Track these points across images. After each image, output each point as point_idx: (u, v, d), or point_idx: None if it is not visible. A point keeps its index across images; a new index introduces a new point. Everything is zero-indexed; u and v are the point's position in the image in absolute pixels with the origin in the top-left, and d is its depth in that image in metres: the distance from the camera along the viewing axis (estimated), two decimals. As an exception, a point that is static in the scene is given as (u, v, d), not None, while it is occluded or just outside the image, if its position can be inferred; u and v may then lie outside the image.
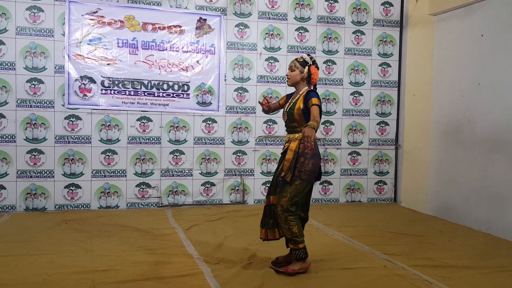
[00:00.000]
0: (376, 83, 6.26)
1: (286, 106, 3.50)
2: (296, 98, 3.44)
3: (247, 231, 4.50)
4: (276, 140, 5.97)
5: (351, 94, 6.19)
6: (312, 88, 3.50)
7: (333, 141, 6.17)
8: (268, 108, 3.68)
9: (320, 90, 6.07)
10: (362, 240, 4.32)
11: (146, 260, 3.56)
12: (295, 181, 3.28)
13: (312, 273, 3.39)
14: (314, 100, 3.28)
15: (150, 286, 3.05)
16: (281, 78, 5.94)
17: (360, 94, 6.21)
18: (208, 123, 5.76)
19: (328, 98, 6.12)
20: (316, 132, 3.12)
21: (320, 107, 3.28)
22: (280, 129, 5.97)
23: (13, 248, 3.78)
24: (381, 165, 6.34)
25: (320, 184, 6.16)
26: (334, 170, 6.20)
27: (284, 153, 3.43)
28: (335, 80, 6.13)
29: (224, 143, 5.80)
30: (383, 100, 6.29)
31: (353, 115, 6.21)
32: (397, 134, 6.33)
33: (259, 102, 3.70)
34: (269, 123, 5.94)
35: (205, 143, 5.77)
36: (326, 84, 6.10)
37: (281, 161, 3.46)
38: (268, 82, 5.88)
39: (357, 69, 6.19)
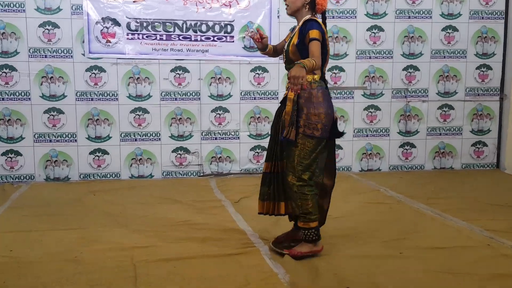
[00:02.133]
0: (475, 14, 6.05)
1: (286, 44, 3.44)
2: (295, 31, 3.37)
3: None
4: (343, 93, 5.97)
5: (442, 30, 6.03)
6: (317, 17, 3.35)
7: (417, 92, 6.09)
8: (263, 46, 3.57)
9: (402, 25, 5.97)
10: (457, 215, 4.32)
11: (191, 236, 3.75)
12: (299, 140, 3.23)
13: (394, 253, 3.46)
14: (313, 33, 3.16)
15: (198, 264, 3.23)
16: (349, 12, 5.87)
17: (455, 29, 6.04)
18: (258, 73, 5.81)
19: (412, 36, 5.99)
20: (310, 72, 3.04)
21: (320, 41, 3.17)
22: (348, 77, 5.95)
23: (37, 222, 4.07)
24: (481, 121, 6.21)
25: (399, 146, 6.13)
26: (418, 129, 6.14)
27: (282, 104, 3.38)
28: (420, 13, 5.98)
29: (277, 97, 5.85)
30: (485, 37, 6.09)
31: (444, 57, 6.07)
32: (502, 80, 6.16)
33: (249, 35, 3.55)
34: (334, 71, 5.93)
35: (255, 98, 5.85)
36: (409, 17, 5.96)
37: (279, 116, 3.40)
38: (333, 17, 5.81)
39: (450, -2, 6.01)
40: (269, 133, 3.66)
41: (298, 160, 3.26)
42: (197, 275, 3.07)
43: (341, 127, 5.96)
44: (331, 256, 3.40)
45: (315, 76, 3.27)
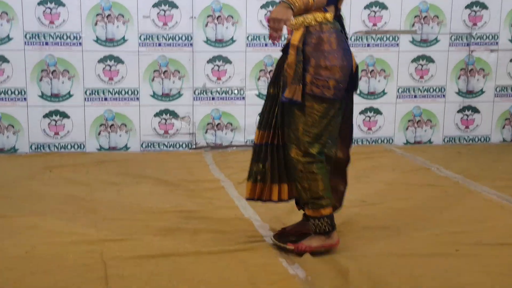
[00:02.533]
0: None
1: None
2: None
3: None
4: (384, 39, 5.95)
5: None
6: None
7: (484, 38, 6.07)
8: None
9: None
10: (533, 202, 4.37)
11: (179, 227, 3.79)
12: (306, 102, 3.22)
13: (448, 251, 3.48)
14: None
15: (190, 263, 3.25)
16: None
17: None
18: (270, 10, 5.77)
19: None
20: (299, 13, 3.03)
21: None
22: (392, 17, 5.92)
23: (-25, 207, 4.13)
24: None
25: (458, 111, 6.14)
26: (484, 89, 6.15)
27: (284, 52, 3.36)
28: None
29: (296, 43, 5.85)
30: None
31: (521, -10, 6.06)
32: None
33: None
34: (373, 8, 5.90)
35: (266, 45, 5.84)
36: None
37: (279, 68, 3.40)
38: None
39: None
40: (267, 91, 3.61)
41: (304, 128, 3.25)
42: (187, 277, 3.09)
43: (380, 84, 5.98)
44: (365, 253, 3.43)
45: (327, 15, 3.25)
